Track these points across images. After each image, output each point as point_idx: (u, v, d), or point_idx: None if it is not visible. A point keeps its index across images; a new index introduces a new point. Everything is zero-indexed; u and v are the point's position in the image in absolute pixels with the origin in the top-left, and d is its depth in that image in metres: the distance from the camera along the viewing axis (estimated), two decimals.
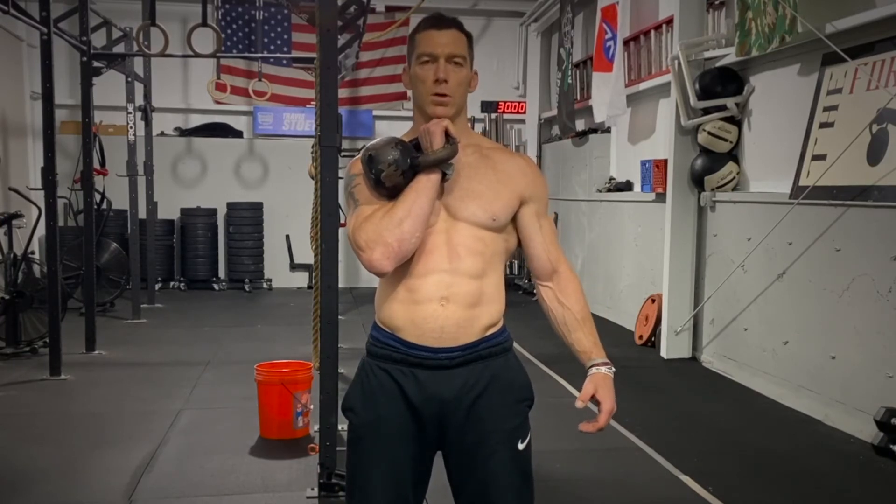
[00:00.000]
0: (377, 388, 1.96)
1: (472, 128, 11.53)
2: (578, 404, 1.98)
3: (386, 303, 1.96)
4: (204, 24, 6.92)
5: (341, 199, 2.04)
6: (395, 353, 1.94)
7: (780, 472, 4.13)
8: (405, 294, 1.92)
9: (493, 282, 1.98)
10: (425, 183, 1.87)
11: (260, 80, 9.95)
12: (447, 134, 1.88)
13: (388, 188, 1.89)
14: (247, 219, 10.73)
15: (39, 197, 6.34)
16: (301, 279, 10.83)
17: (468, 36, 2.00)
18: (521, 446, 1.98)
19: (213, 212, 10.73)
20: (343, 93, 10.45)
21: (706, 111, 6.22)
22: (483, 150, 2.02)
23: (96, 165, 8.03)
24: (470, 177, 1.95)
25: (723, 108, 6.12)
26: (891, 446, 4.22)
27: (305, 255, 10.25)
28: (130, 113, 8.55)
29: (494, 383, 1.97)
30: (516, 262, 10.97)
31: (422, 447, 1.97)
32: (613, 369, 2.04)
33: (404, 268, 1.91)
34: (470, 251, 1.93)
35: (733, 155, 6.22)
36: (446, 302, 1.90)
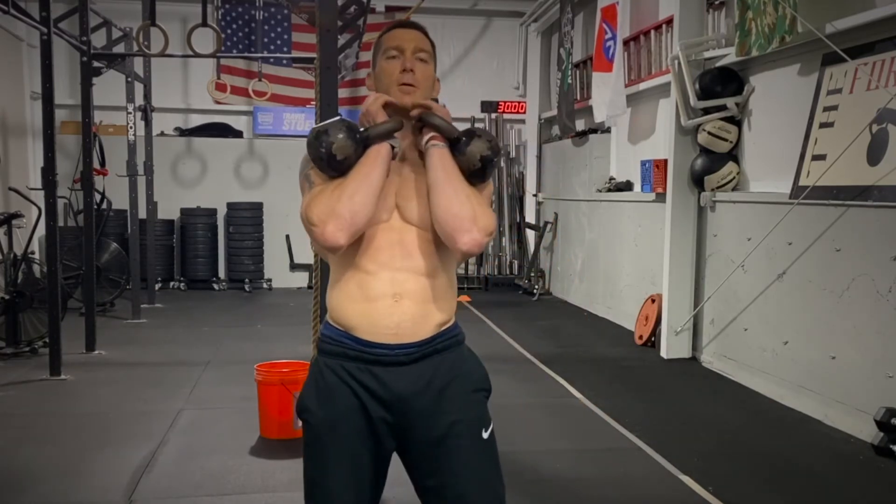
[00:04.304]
0: (333, 387, 1.94)
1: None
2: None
3: (338, 301, 1.96)
4: (204, 24, 6.92)
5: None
6: (349, 350, 1.93)
7: (780, 472, 4.13)
8: (357, 292, 1.93)
9: (444, 280, 1.99)
10: (375, 155, 1.91)
11: (260, 80, 9.96)
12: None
13: (340, 161, 1.91)
14: (247, 219, 10.73)
15: (39, 197, 6.34)
16: (301, 279, 10.84)
17: (432, 43, 2.06)
18: (485, 435, 1.98)
19: (213, 212, 10.73)
20: (343, 93, 10.46)
21: (706, 111, 6.22)
22: None
23: (96, 165, 8.04)
24: (420, 175, 1.98)
25: (723, 108, 6.12)
26: (891, 446, 4.23)
27: (305, 255, 10.29)
28: (130, 113, 8.55)
29: (454, 376, 1.97)
30: (516, 261, 10.97)
31: (379, 445, 1.96)
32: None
33: (356, 265, 1.93)
34: (422, 251, 1.94)
35: (733, 155, 6.22)
36: (399, 298, 1.91)
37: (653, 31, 7.78)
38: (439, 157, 1.93)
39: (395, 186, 1.97)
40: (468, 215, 1.88)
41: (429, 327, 1.95)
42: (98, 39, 7.61)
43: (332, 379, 1.95)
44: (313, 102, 4.98)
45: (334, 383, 1.94)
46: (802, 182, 5.19)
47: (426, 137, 1.96)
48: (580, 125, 9.66)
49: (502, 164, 11.10)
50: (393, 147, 1.94)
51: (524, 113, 11.35)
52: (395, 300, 1.91)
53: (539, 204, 10.92)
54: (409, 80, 1.96)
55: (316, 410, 1.95)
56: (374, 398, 1.92)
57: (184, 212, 10.65)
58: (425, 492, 2.00)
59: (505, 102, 11.39)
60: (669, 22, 7.17)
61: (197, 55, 7.31)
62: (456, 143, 1.97)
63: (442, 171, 1.92)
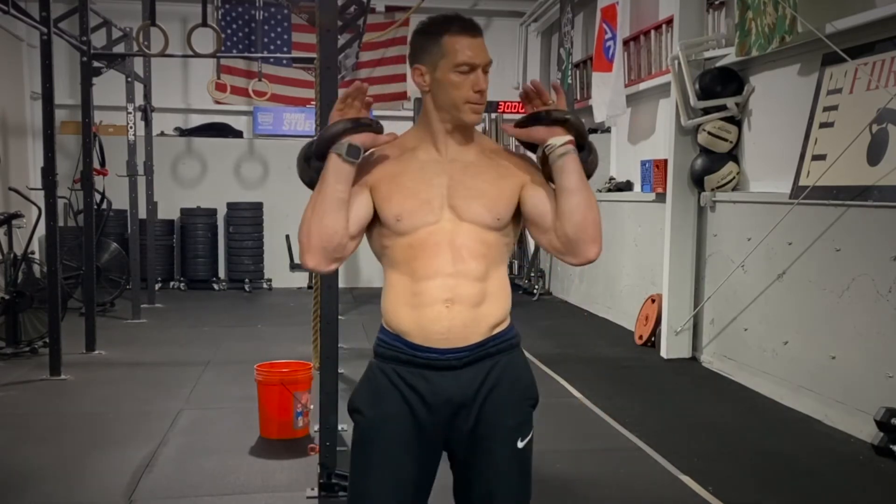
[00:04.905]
0: (385, 390, 1.95)
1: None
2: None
3: (391, 306, 1.96)
4: (204, 24, 6.92)
5: None
6: (402, 354, 1.94)
7: (780, 472, 4.13)
8: (410, 298, 1.92)
9: (496, 281, 1.98)
10: (323, 170, 1.90)
11: (260, 80, 9.95)
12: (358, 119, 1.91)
13: (307, 183, 1.95)
14: (247, 219, 10.73)
15: (39, 197, 6.34)
16: (301, 279, 10.82)
17: None
18: (520, 444, 1.98)
19: (213, 212, 10.73)
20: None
21: (706, 111, 6.22)
22: (486, 151, 2.04)
23: (96, 165, 8.03)
24: (474, 175, 1.96)
25: (723, 108, 6.12)
26: (891, 446, 4.23)
27: None
28: (130, 113, 8.55)
29: (502, 380, 1.97)
30: (516, 261, 10.95)
31: (427, 450, 1.96)
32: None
33: (405, 270, 1.92)
34: (473, 254, 1.92)
35: (733, 155, 6.22)
36: (451, 304, 1.90)
37: (653, 31, 7.78)
38: (577, 163, 1.93)
39: (444, 188, 1.94)
40: (600, 227, 1.94)
41: (481, 330, 1.94)
42: (98, 39, 7.61)
43: (383, 382, 1.96)
44: (313, 102, 4.98)
45: (385, 386, 1.95)
46: (802, 182, 5.19)
47: (564, 140, 1.93)
48: None
49: None
50: (341, 154, 1.86)
51: (524, 113, 11.33)
52: (446, 306, 1.90)
53: None
54: (480, 100, 1.94)
55: (367, 412, 1.97)
56: (423, 402, 1.93)
57: (184, 212, 10.65)
58: (458, 490, 2.03)
59: (505, 102, 11.35)
60: (669, 22, 7.17)
61: (197, 55, 7.31)
62: (580, 151, 1.97)
63: (580, 177, 1.93)
